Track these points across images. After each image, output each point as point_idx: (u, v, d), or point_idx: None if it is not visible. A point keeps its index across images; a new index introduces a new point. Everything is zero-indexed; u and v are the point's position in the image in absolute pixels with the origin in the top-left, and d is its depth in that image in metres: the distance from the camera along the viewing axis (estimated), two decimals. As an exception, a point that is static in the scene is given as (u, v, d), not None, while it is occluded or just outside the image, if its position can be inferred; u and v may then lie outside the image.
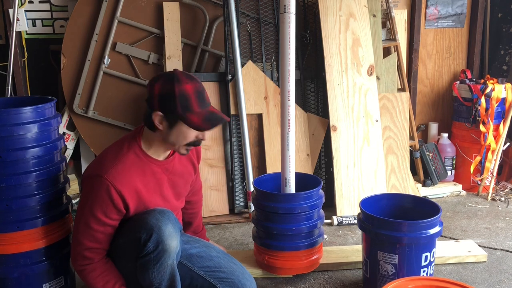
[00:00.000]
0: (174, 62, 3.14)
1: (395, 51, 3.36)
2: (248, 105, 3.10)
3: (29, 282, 1.93)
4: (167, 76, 1.73)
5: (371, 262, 2.12)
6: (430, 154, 3.49)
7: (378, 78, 3.23)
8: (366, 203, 2.21)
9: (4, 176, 1.82)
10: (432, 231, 2.04)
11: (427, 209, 2.16)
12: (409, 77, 3.68)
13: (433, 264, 2.12)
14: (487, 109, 3.38)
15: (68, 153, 3.30)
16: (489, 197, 3.42)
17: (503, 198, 3.41)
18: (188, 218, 2.26)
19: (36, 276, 1.94)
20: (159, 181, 1.85)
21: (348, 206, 3.04)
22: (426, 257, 2.06)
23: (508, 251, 2.65)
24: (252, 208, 3.02)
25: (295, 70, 2.30)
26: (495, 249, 2.67)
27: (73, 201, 3.11)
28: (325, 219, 2.54)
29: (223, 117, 1.79)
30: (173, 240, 1.71)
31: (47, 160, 1.92)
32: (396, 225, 2.03)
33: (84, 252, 1.74)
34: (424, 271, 2.07)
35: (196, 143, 1.82)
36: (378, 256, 2.08)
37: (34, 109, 1.85)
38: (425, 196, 3.39)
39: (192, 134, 1.77)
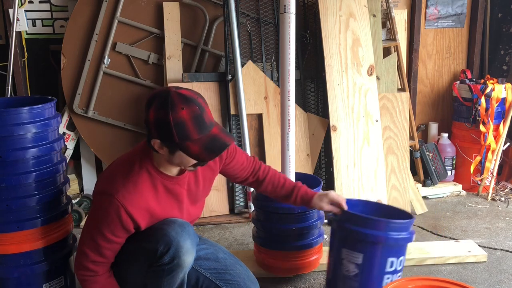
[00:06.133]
0: (174, 62, 3.14)
1: (395, 51, 3.36)
2: (248, 105, 3.10)
3: (29, 282, 1.93)
4: (162, 100, 1.58)
5: (334, 261, 2.01)
6: (430, 154, 3.49)
7: (378, 78, 3.23)
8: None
9: (4, 176, 1.82)
10: (400, 235, 1.89)
11: (401, 218, 1.99)
12: (409, 77, 3.67)
13: (399, 274, 1.96)
14: (487, 109, 3.38)
15: (68, 153, 3.30)
16: (489, 197, 3.42)
17: (503, 198, 3.41)
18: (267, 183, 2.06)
19: (36, 276, 1.94)
20: (177, 196, 1.79)
21: (348, 206, 3.03)
22: (392, 262, 1.92)
23: (508, 251, 2.65)
24: (252, 208, 3.02)
25: (295, 70, 2.30)
26: (495, 249, 2.67)
27: (73, 201, 3.12)
28: (325, 219, 2.54)
29: (226, 141, 1.65)
30: (189, 256, 1.69)
31: (47, 160, 1.92)
32: (362, 220, 1.91)
33: (88, 264, 1.71)
34: (388, 278, 1.92)
35: (202, 163, 1.72)
36: (342, 254, 1.96)
37: (34, 109, 1.85)
38: (425, 196, 3.40)
39: (193, 160, 1.67)
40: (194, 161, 1.67)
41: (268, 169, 2.07)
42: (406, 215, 2.01)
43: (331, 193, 1.99)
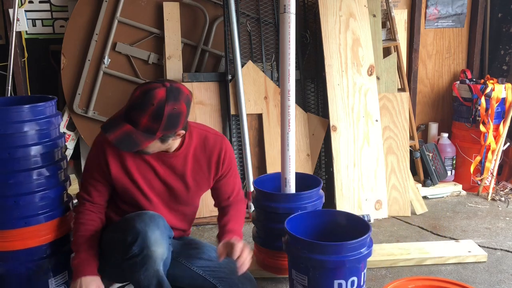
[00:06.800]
0: (174, 62, 3.14)
1: (395, 51, 3.36)
2: (248, 105, 3.10)
3: (35, 278, 1.94)
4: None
5: (290, 279, 1.98)
6: (430, 154, 3.49)
7: (378, 78, 3.23)
8: (297, 219, 2.05)
9: (11, 173, 1.85)
10: (345, 256, 1.79)
11: (359, 229, 1.92)
12: (409, 77, 3.68)
13: None
14: (487, 109, 3.38)
15: (68, 153, 3.30)
16: (489, 197, 3.42)
17: (503, 198, 3.41)
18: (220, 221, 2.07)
19: (43, 272, 1.96)
20: (151, 168, 1.84)
21: (348, 206, 3.03)
22: (340, 285, 1.83)
23: (508, 251, 2.65)
24: (252, 208, 3.02)
25: (295, 70, 2.30)
26: (495, 249, 2.67)
27: (74, 201, 3.11)
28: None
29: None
30: (159, 247, 1.70)
31: (50, 157, 1.95)
32: (302, 242, 1.84)
33: (78, 199, 1.90)
34: None
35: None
36: (292, 274, 1.93)
37: (37, 107, 1.89)
38: (425, 196, 3.40)
39: None
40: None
41: (236, 201, 2.08)
42: (365, 227, 1.91)
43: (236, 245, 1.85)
